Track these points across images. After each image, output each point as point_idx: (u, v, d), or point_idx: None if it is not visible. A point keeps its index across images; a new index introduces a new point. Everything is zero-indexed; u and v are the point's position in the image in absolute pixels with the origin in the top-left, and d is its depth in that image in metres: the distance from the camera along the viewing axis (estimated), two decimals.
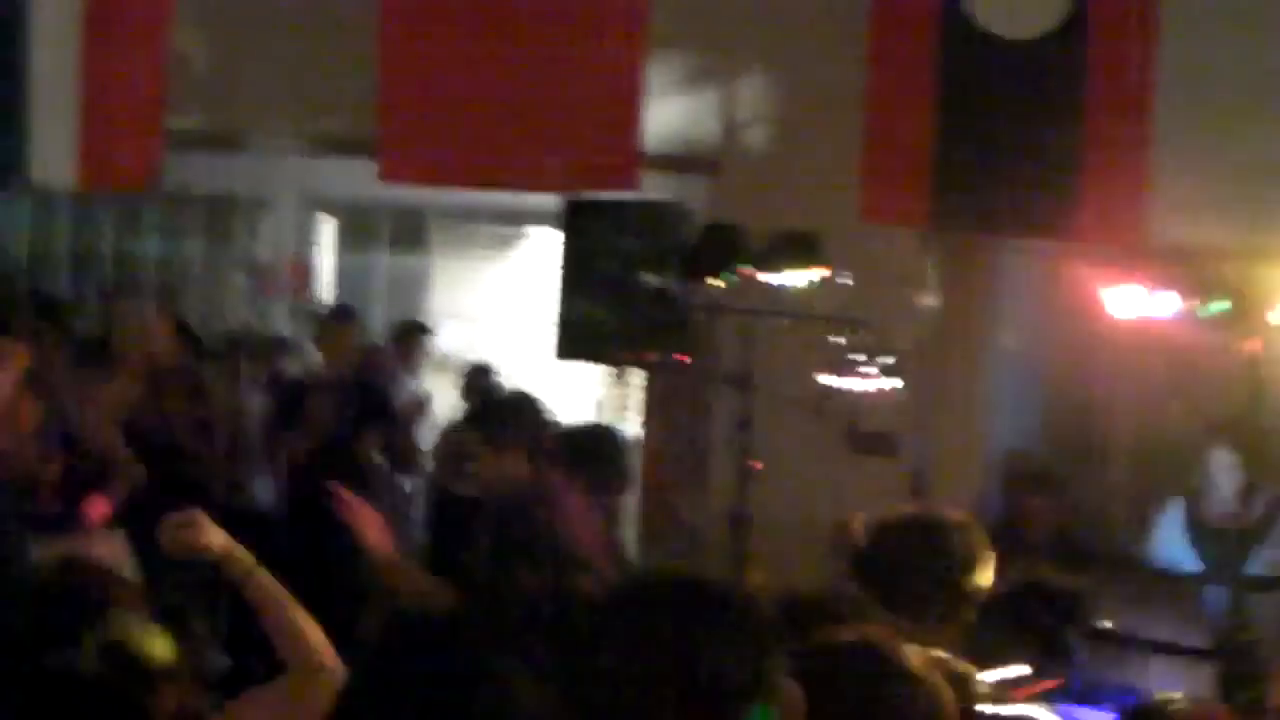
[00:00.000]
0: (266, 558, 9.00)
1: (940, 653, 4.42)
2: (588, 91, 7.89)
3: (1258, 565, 7.76)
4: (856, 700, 2.87)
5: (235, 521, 9.24)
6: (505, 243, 12.44)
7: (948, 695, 3.46)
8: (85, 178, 8.38)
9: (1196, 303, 7.45)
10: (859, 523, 5.74)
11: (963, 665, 4.87)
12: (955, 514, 5.25)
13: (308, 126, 10.63)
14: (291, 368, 10.26)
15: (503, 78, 8.03)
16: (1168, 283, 7.64)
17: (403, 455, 10.10)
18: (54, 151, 8.23)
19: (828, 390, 8.62)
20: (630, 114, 7.92)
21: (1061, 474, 9.04)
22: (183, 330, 10.12)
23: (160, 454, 9.27)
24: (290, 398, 9.48)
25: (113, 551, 8.49)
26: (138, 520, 9.01)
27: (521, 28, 7.96)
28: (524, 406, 7.04)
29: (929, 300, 9.81)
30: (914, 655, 3.62)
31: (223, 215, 11.59)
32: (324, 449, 9.20)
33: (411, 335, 10.98)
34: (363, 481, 9.24)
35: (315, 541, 9.14)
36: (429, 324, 11.55)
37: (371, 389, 9.62)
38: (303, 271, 11.80)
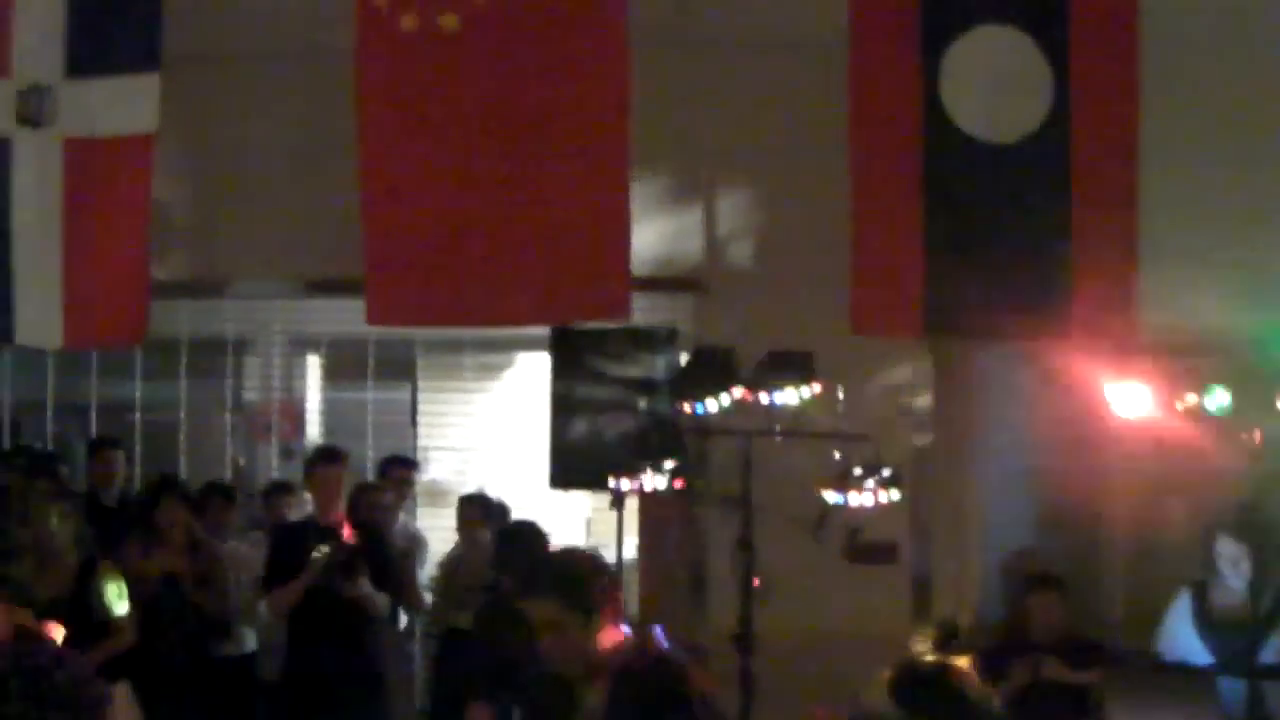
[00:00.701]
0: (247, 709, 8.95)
1: None
2: (575, 220, 7.90)
3: (1271, 654, 7.73)
4: None
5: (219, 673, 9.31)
6: (494, 370, 12.43)
7: None
8: (71, 337, 8.38)
9: (1195, 395, 7.46)
10: None
11: None
12: None
13: (291, 268, 10.67)
14: (292, 512, 10.20)
15: (487, 212, 8.03)
16: (1165, 377, 7.66)
17: (404, 594, 10.00)
18: (39, 313, 8.25)
19: (827, 506, 8.62)
20: (618, 243, 7.91)
21: (1062, 572, 9.03)
22: (171, 483, 10.13)
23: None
24: (284, 543, 9.41)
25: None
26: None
27: (503, 162, 7.97)
28: (580, 562, 5.81)
29: (923, 407, 9.83)
30: None
31: (209, 358, 11.56)
32: (317, 591, 9.12)
33: (398, 469, 10.89)
34: (357, 624, 9.20)
35: (311, 690, 9.11)
36: (416, 457, 11.54)
37: (362, 527, 9.55)
38: (291, 412, 11.76)
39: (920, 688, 5.35)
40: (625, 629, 5.58)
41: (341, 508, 9.46)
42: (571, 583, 5.50)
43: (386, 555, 9.46)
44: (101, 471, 10.57)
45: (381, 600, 9.33)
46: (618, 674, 5.40)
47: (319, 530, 9.26)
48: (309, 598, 9.11)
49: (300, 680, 9.18)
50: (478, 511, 10.32)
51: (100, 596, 8.64)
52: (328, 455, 9.60)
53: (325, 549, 9.07)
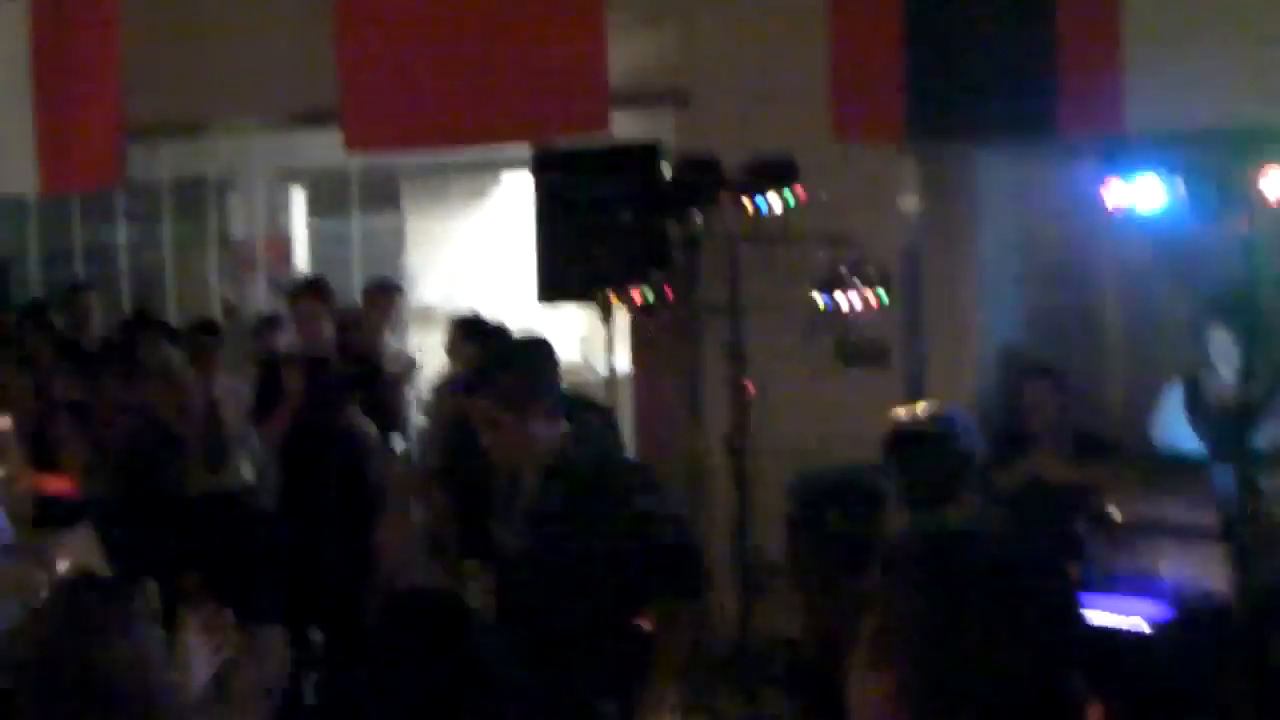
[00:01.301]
0: (240, 541, 9.04)
1: None
2: (550, 35, 7.82)
3: (1263, 441, 7.76)
4: None
5: (212, 507, 9.37)
6: (479, 192, 12.39)
7: None
8: (48, 183, 8.36)
9: (1182, 185, 7.42)
10: None
11: None
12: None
13: (271, 102, 10.58)
14: (283, 344, 10.19)
15: (461, 32, 7.96)
16: (1153, 168, 7.61)
17: (391, 419, 10.01)
18: (14, 162, 8.21)
19: (816, 309, 8.64)
20: (596, 55, 7.84)
21: (1059, 364, 9.05)
22: (148, 318, 10.13)
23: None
24: (270, 375, 9.42)
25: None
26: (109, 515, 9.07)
27: None
28: (537, 354, 5.95)
29: (911, 208, 9.79)
30: None
31: (193, 197, 11.52)
32: (306, 423, 9.14)
33: (383, 294, 10.73)
34: (348, 453, 9.23)
35: (307, 521, 9.16)
36: (404, 281, 11.54)
37: (352, 355, 9.53)
38: (279, 246, 11.74)
39: (912, 442, 5.38)
40: (563, 425, 5.77)
41: (327, 337, 9.42)
42: (501, 380, 5.72)
43: (376, 381, 9.43)
44: (79, 317, 10.56)
45: (372, 427, 9.33)
46: (549, 467, 5.66)
47: (305, 361, 9.25)
48: (300, 430, 9.14)
49: (295, 512, 9.22)
50: (466, 332, 10.29)
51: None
52: (310, 287, 9.55)
53: (299, 377, 9.06)
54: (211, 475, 9.69)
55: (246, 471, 9.89)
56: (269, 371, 9.49)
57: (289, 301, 9.67)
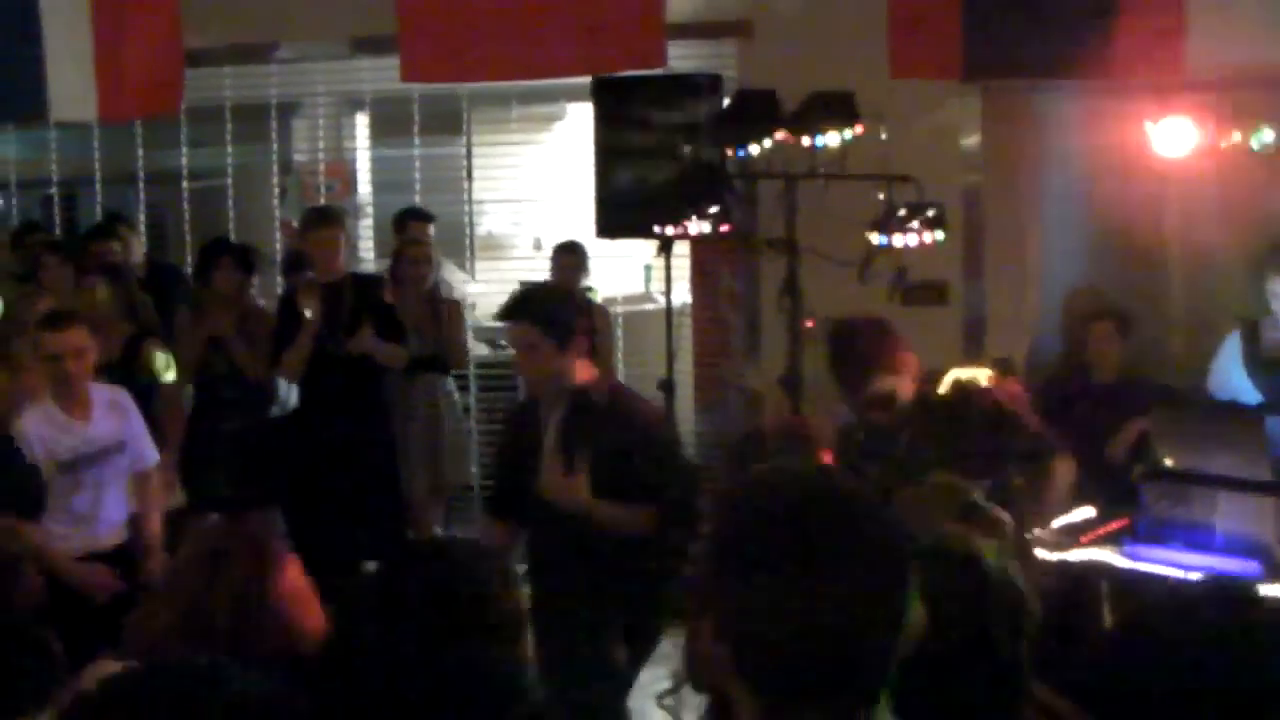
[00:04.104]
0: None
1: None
2: None
3: None
4: None
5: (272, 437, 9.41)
6: (543, 122, 12.35)
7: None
8: (107, 110, 8.38)
9: (1243, 132, 7.30)
10: None
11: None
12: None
13: (333, 27, 10.56)
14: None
15: None
16: (1213, 114, 7.49)
17: (450, 356, 10.00)
18: (73, 89, 8.24)
19: (872, 247, 8.56)
20: None
21: (1121, 307, 8.96)
22: (225, 246, 10.14)
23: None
24: (287, 309, 9.37)
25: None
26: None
27: None
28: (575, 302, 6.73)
29: (972, 147, 9.69)
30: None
31: (254, 122, 11.51)
32: (325, 355, 9.13)
33: (411, 223, 10.48)
34: (360, 385, 9.21)
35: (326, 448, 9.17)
36: (470, 211, 11.56)
37: (358, 280, 9.49)
38: (341, 171, 11.73)
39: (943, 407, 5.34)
40: (592, 368, 6.35)
41: (342, 268, 9.37)
42: (549, 311, 6.23)
43: (384, 305, 9.35)
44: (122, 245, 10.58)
45: (393, 350, 9.26)
46: (576, 396, 6.18)
47: (321, 290, 9.18)
48: (319, 361, 9.14)
49: (312, 443, 9.22)
50: (576, 259, 10.23)
51: (148, 364, 8.75)
52: (324, 217, 9.44)
53: (311, 309, 9.04)
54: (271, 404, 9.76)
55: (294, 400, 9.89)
56: (283, 305, 9.46)
57: (301, 231, 9.61)
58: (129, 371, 8.45)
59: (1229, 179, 8.45)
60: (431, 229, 10.45)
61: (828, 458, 5.82)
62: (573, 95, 10.73)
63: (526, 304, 6.35)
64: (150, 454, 7.55)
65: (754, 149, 8.66)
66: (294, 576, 4.05)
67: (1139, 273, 9.81)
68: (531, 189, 12.10)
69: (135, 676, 2.47)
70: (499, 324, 11.48)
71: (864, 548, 2.39)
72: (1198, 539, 7.12)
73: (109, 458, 7.24)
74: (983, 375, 5.95)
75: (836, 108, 8.38)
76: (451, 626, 3.16)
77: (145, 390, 8.42)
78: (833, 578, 2.34)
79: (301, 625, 3.95)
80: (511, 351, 11.04)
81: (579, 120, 11.44)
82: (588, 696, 6.06)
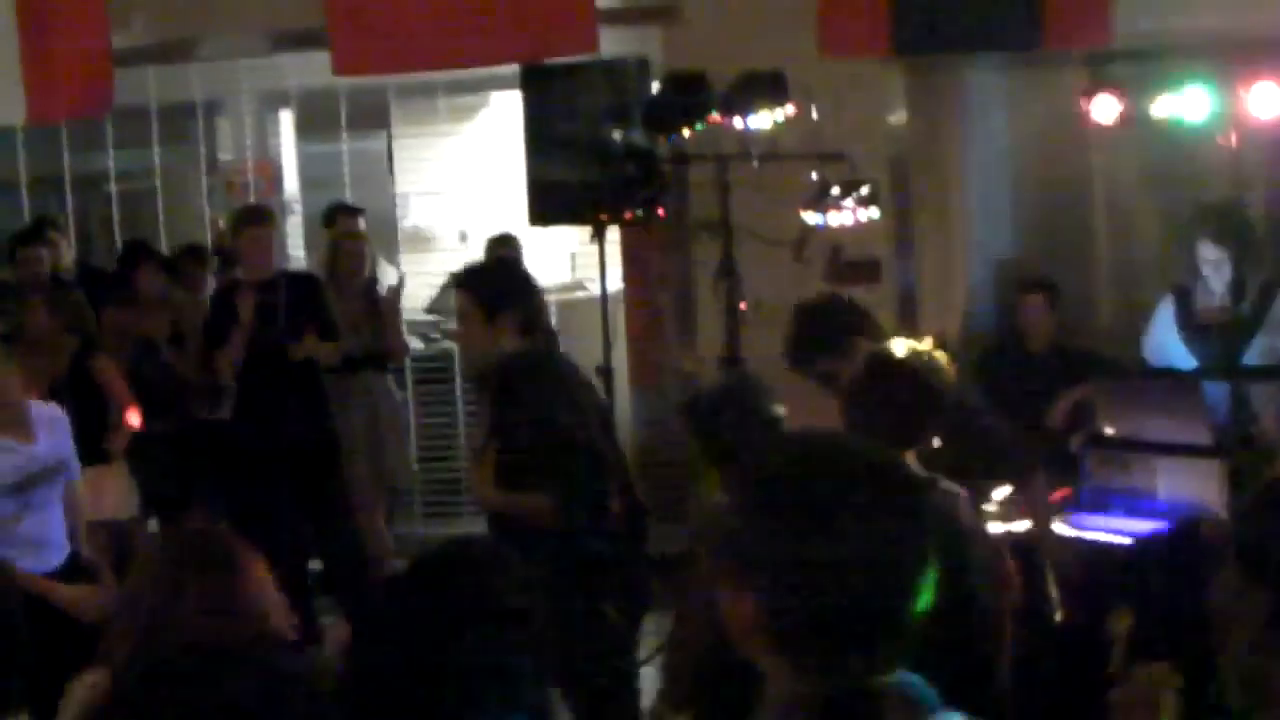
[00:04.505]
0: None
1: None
2: None
3: (1254, 356, 7.74)
4: None
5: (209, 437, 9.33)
6: (468, 112, 12.32)
7: None
8: (36, 112, 8.28)
9: (1171, 100, 7.37)
10: None
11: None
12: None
13: (257, 24, 10.50)
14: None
15: None
16: (1140, 81, 7.57)
17: (390, 352, 10.00)
18: (1, 91, 8.13)
19: (807, 227, 8.61)
20: None
21: (1050, 278, 9.05)
22: (147, 249, 10.09)
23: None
24: (220, 305, 9.30)
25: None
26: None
27: None
28: (521, 275, 6.78)
29: (899, 124, 9.75)
30: None
31: (180, 122, 11.45)
32: (257, 354, 9.04)
33: (342, 217, 10.44)
34: (300, 384, 9.15)
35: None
36: (395, 204, 11.53)
37: (295, 278, 9.43)
38: (267, 169, 11.68)
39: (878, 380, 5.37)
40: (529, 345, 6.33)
41: (274, 266, 9.30)
42: (480, 281, 6.37)
43: (321, 304, 9.31)
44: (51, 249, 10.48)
45: (332, 351, 9.20)
46: (497, 373, 6.21)
47: (252, 289, 9.07)
48: (256, 360, 9.03)
49: (253, 441, 9.13)
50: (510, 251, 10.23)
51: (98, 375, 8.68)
52: (255, 216, 9.37)
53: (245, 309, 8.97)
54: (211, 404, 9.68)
55: None
56: (215, 302, 9.39)
57: (232, 230, 9.55)
58: (78, 387, 8.34)
59: (1155, 146, 8.54)
60: (361, 222, 10.41)
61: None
62: (500, 84, 10.70)
63: (465, 273, 6.56)
64: (75, 467, 7.41)
65: (685, 133, 8.70)
66: (259, 573, 4.02)
67: (1065, 242, 9.89)
68: (456, 181, 12.09)
69: (175, 662, 2.53)
70: (430, 317, 11.61)
71: (889, 507, 2.46)
72: (1140, 506, 7.20)
73: (53, 477, 7.11)
74: (923, 348, 5.98)
75: (768, 88, 8.42)
76: (468, 621, 3.16)
77: (98, 403, 8.38)
78: (859, 535, 2.41)
79: (275, 622, 3.93)
80: (445, 344, 11.27)
81: (502, 110, 11.44)
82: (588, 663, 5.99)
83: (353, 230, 10.20)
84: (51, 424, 7.13)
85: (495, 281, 6.44)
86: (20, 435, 6.96)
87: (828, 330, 6.41)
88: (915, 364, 5.42)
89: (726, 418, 5.43)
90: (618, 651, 6.43)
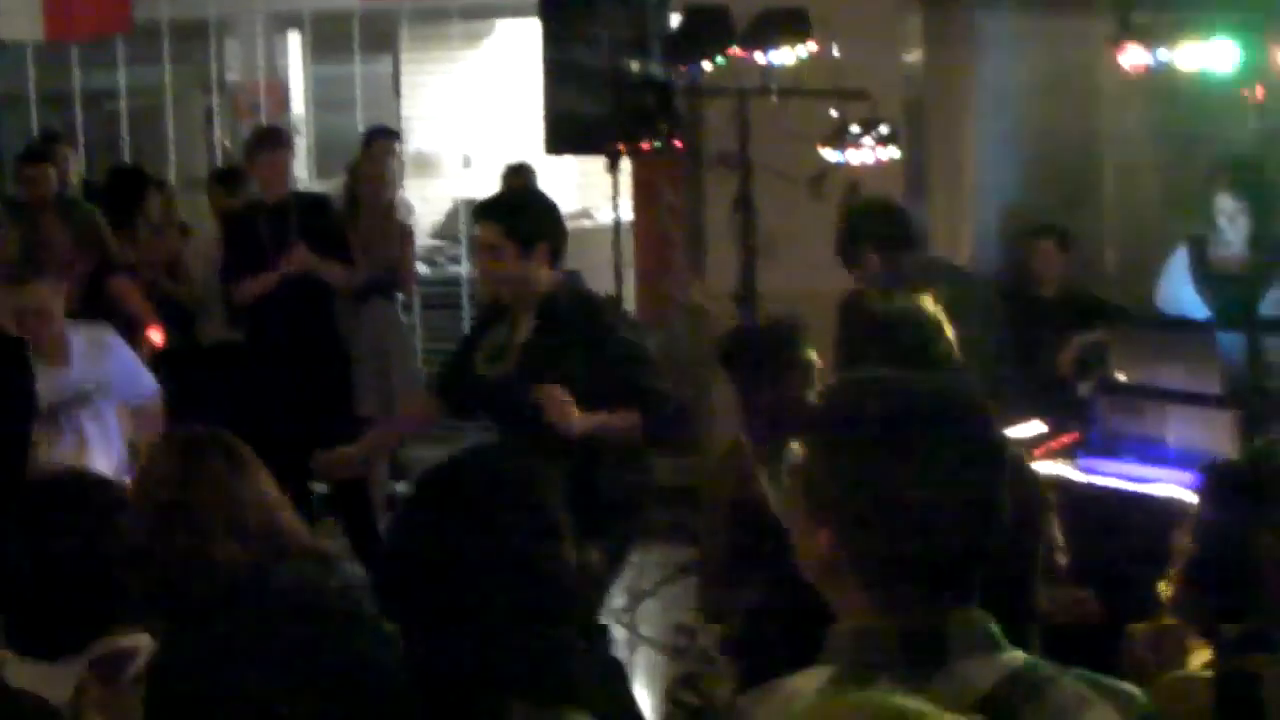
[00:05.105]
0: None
1: None
2: None
3: (1269, 307, 7.76)
4: None
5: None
6: (477, 38, 12.28)
7: None
8: (54, 29, 8.23)
9: (1195, 48, 7.36)
10: None
11: None
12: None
13: None
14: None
15: None
16: (1163, 29, 7.55)
17: (400, 280, 9.96)
18: (19, 7, 8.08)
19: (825, 164, 8.61)
20: None
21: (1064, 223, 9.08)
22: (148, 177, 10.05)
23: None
24: (236, 232, 9.21)
25: None
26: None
27: None
28: (551, 205, 6.37)
29: (914, 64, 9.73)
30: None
31: (191, 41, 11.37)
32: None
33: (379, 140, 10.24)
34: (309, 303, 9.10)
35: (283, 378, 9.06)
36: (400, 128, 11.45)
37: (301, 199, 9.35)
38: (276, 90, 11.62)
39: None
40: (558, 273, 6.11)
41: (287, 189, 9.23)
42: (514, 213, 6.10)
43: (332, 226, 9.27)
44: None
45: (337, 270, 9.08)
46: (544, 304, 6.02)
47: (267, 211, 8.97)
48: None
49: (261, 366, 9.09)
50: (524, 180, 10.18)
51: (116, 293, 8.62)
52: (270, 139, 9.20)
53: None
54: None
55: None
56: (231, 229, 9.34)
57: (247, 153, 9.46)
58: (94, 306, 8.21)
59: (1178, 96, 8.55)
60: (398, 146, 10.33)
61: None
62: (511, 11, 10.66)
63: (495, 205, 6.34)
64: (147, 385, 7.22)
65: (706, 66, 8.68)
66: (267, 479, 3.93)
67: (1073, 188, 9.91)
68: (461, 107, 12.06)
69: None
70: (435, 241, 11.63)
71: (967, 445, 2.49)
72: (1151, 452, 7.23)
73: (89, 402, 6.97)
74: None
75: (789, 23, 8.40)
76: (510, 527, 3.11)
77: (116, 322, 8.30)
78: (941, 471, 2.44)
79: (289, 524, 3.85)
80: (451, 269, 11.29)
81: (509, 38, 11.42)
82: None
83: (384, 154, 10.07)
84: (92, 345, 6.99)
85: (530, 214, 6.20)
86: (52, 359, 6.85)
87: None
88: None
89: (767, 372, 5.45)
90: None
